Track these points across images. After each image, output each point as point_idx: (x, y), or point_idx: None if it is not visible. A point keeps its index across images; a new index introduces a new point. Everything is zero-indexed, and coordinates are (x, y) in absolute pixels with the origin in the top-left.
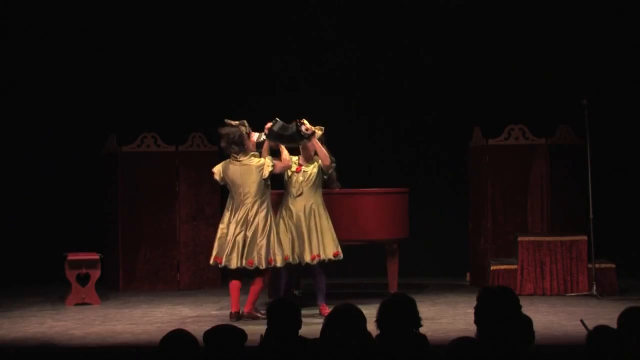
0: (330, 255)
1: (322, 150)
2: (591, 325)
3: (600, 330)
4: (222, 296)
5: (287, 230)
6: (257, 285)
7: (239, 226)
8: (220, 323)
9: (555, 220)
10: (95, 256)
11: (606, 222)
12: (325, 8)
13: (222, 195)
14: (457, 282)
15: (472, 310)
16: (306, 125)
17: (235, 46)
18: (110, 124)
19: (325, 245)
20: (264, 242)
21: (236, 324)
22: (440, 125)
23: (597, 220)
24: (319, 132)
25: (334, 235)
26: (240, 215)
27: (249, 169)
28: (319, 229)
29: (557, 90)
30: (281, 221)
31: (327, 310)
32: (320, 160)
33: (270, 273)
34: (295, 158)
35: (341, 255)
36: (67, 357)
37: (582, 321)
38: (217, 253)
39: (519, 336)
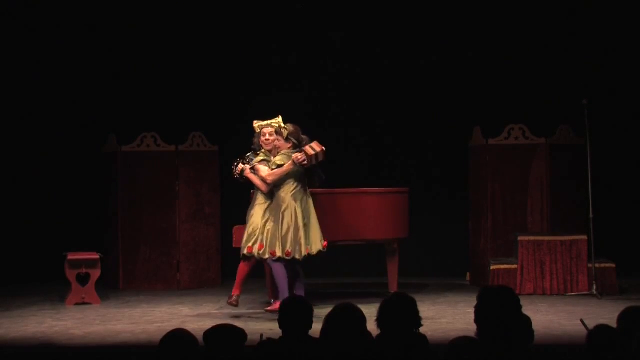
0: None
1: (256, 181)
2: (591, 325)
3: (601, 329)
4: (222, 296)
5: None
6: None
7: None
8: (220, 323)
9: (555, 220)
10: (95, 256)
11: (606, 222)
12: (325, 4)
13: (222, 195)
14: (457, 282)
15: (472, 310)
16: (237, 168)
17: (235, 46)
18: (110, 123)
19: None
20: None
21: (236, 323)
22: (440, 125)
23: (597, 220)
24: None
25: (281, 238)
26: None
27: None
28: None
29: (557, 90)
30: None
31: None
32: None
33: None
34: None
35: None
36: (67, 357)
37: (582, 321)
38: None
39: (519, 336)
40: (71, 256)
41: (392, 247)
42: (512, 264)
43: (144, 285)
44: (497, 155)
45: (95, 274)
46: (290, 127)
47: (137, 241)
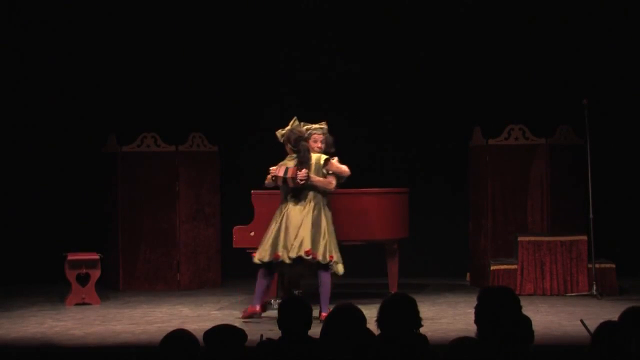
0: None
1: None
2: (591, 325)
3: (607, 325)
4: (222, 296)
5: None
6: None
7: None
8: (220, 323)
9: (555, 220)
10: (95, 256)
11: (606, 222)
12: (326, 9)
13: (222, 195)
14: (457, 282)
15: (472, 310)
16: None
17: (235, 46)
18: (110, 124)
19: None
20: None
21: (236, 324)
22: (440, 125)
23: (597, 220)
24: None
25: (268, 241)
26: None
27: None
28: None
29: (557, 90)
30: None
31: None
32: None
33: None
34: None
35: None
36: (67, 357)
37: (582, 321)
38: None
39: (519, 336)
40: (71, 256)
41: (392, 247)
42: (512, 264)
43: (144, 286)
44: (497, 155)
45: (95, 274)
46: (287, 130)
47: (137, 241)
